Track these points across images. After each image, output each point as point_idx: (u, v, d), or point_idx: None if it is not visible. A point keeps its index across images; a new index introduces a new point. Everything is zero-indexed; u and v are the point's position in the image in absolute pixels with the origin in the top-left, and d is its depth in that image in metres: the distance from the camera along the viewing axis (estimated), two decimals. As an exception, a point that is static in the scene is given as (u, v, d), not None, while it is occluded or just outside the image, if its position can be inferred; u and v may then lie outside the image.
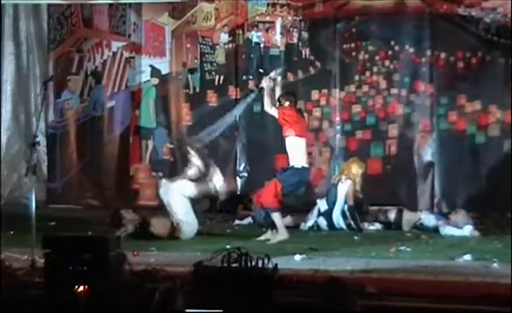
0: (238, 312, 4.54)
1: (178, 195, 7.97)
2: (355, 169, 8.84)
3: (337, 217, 8.64)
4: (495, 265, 6.26)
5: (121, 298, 4.81)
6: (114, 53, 11.31)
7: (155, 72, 11.22)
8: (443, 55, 10.31)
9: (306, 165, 7.83)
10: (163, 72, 11.22)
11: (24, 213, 6.60)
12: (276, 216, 7.71)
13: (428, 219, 8.65)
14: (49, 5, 11.39)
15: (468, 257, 6.59)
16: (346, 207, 8.61)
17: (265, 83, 8.11)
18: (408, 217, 8.72)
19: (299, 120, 7.89)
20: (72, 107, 11.45)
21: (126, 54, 11.27)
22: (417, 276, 5.74)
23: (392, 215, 8.77)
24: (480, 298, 4.84)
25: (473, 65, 10.22)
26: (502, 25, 10.18)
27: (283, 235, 7.65)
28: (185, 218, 7.91)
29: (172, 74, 11.20)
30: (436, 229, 8.45)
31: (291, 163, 7.76)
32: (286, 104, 7.91)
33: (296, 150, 7.72)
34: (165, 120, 11.18)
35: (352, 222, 8.55)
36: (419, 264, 6.30)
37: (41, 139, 10.44)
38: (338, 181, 8.75)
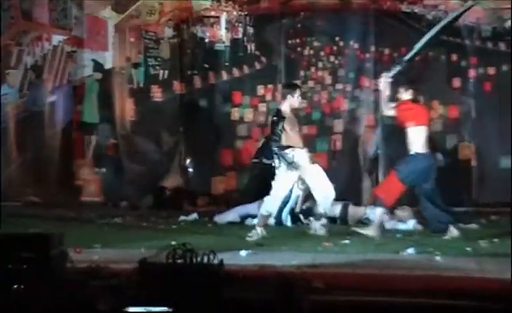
0: (183, 308, 4.48)
1: None
2: None
3: (285, 215, 8.61)
4: (438, 258, 6.34)
5: (63, 296, 4.69)
6: (55, 47, 11.10)
7: (98, 66, 11.06)
8: (387, 51, 10.44)
9: (427, 152, 7.56)
10: (106, 67, 11.06)
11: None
12: (379, 212, 7.60)
13: (374, 213, 8.70)
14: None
15: (411, 250, 6.66)
16: (297, 207, 8.58)
17: (382, 83, 7.85)
18: (354, 212, 8.77)
19: (418, 109, 7.68)
20: (11, 102, 11.19)
21: (68, 48, 11.06)
22: (362, 270, 5.77)
23: (338, 210, 8.80)
24: (424, 291, 4.88)
25: (416, 61, 10.37)
26: (444, 22, 10.36)
27: (372, 232, 7.52)
28: None
29: (115, 68, 11.04)
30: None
31: (412, 152, 7.53)
32: (406, 96, 7.65)
33: (417, 139, 7.49)
34: (108, 115, 11.02)
35: (303, 219, 8.54)
36: (364, 258, 6.35)
37: (-21, 134, 10.17)
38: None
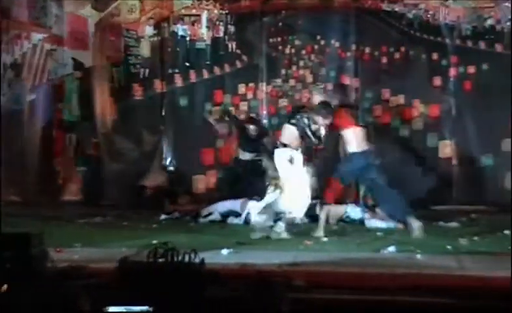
0: (164, 307, 4.46)
1: None
2: None
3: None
4: (418, 256, 6.37)
5: (44, 296, 4.65)
6: (35, 45, 11.01)
7: (78, 65, 10.98)
8: (367, 50, 10.49)
9: (363, 149, 7.71)
10: (87, 65, 10.99)
11: None
12: (323, 214, 7.72)
13: (354, 212, 8.73)
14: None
15: (392, 249, 6.69)
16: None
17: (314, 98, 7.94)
18: (335, 210, 8.77)
19: (344, 113, 7.80)
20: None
21: (48, 46, 10.98)
22: (344, 268, 5.78)
23: (318, 208, 8.79)
24: (405, 288, 4.90)
25: (396, 60, 10.44)
26: (424, 21, 10.46)
27: (318, 233, 7.57)
28: None
29: (96, 67, 10.98)
30: (361, 222, 8.55)
31: (349, 152, 7.76)
32: (334, 103, 7.79)
33: (350, 140, 7.72)
34: (89, 114, 10.96)
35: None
36: (345, 256, 6.36)
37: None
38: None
